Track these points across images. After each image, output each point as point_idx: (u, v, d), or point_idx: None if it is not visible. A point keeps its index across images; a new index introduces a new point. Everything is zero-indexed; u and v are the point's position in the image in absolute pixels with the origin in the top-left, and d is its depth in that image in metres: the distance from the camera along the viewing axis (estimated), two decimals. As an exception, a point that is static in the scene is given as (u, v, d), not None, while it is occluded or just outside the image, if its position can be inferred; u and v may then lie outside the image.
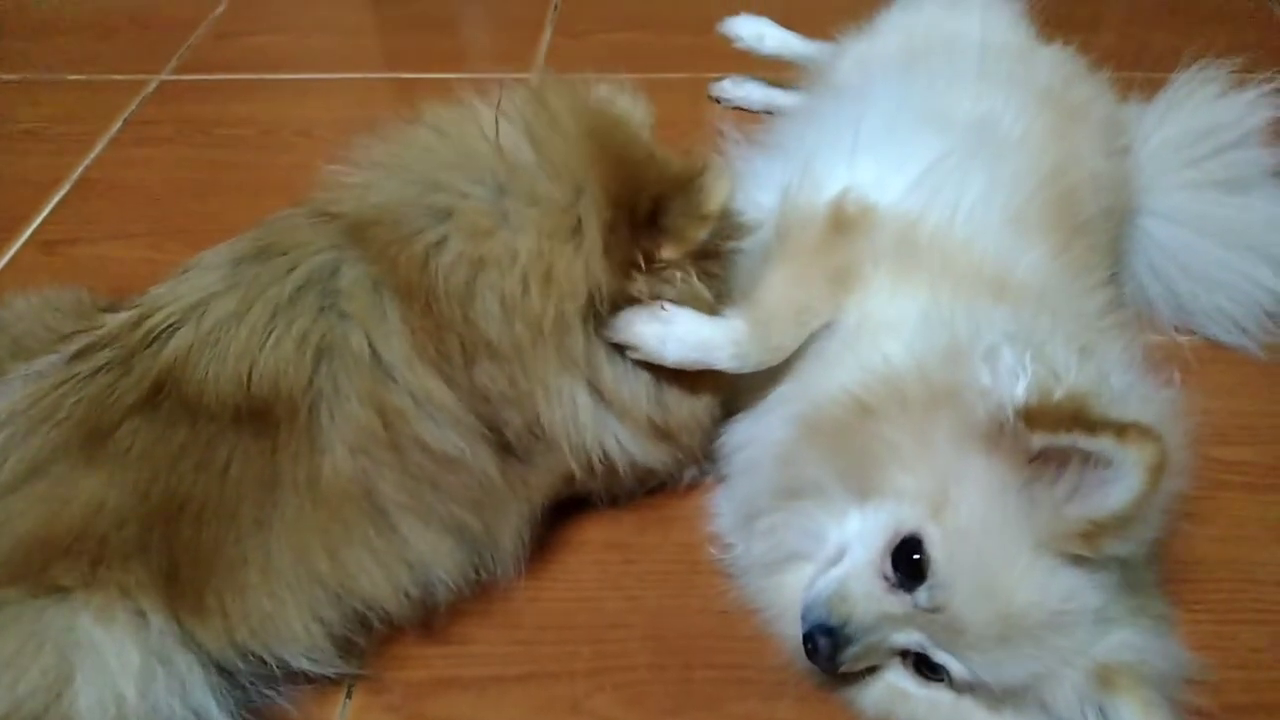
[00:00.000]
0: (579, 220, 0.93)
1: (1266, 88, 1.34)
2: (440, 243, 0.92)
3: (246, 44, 2.11)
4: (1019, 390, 0.84)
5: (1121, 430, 0.79)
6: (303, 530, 0.89)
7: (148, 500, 0.86)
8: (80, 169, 1.73)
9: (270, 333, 0.90)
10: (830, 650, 0.87)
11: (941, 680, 0.89)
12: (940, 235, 1.00)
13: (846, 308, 1.00)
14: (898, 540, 0.87)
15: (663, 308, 0.97)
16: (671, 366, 0.98)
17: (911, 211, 1.02)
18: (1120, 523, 0.80)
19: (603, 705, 0.96)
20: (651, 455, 1.04)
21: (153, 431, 0.87)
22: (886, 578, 0.88)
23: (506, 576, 1.01)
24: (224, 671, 0.89)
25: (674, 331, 0.97)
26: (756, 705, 0.95)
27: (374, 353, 0.91)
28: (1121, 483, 0.79)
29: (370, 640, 0.98)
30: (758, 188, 1.13)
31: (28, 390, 0.89)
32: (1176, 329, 1.33)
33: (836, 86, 1.41)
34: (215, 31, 2.16)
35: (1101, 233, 1.18)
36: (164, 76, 1.99)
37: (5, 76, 2.01)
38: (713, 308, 1.00)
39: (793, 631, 0.92)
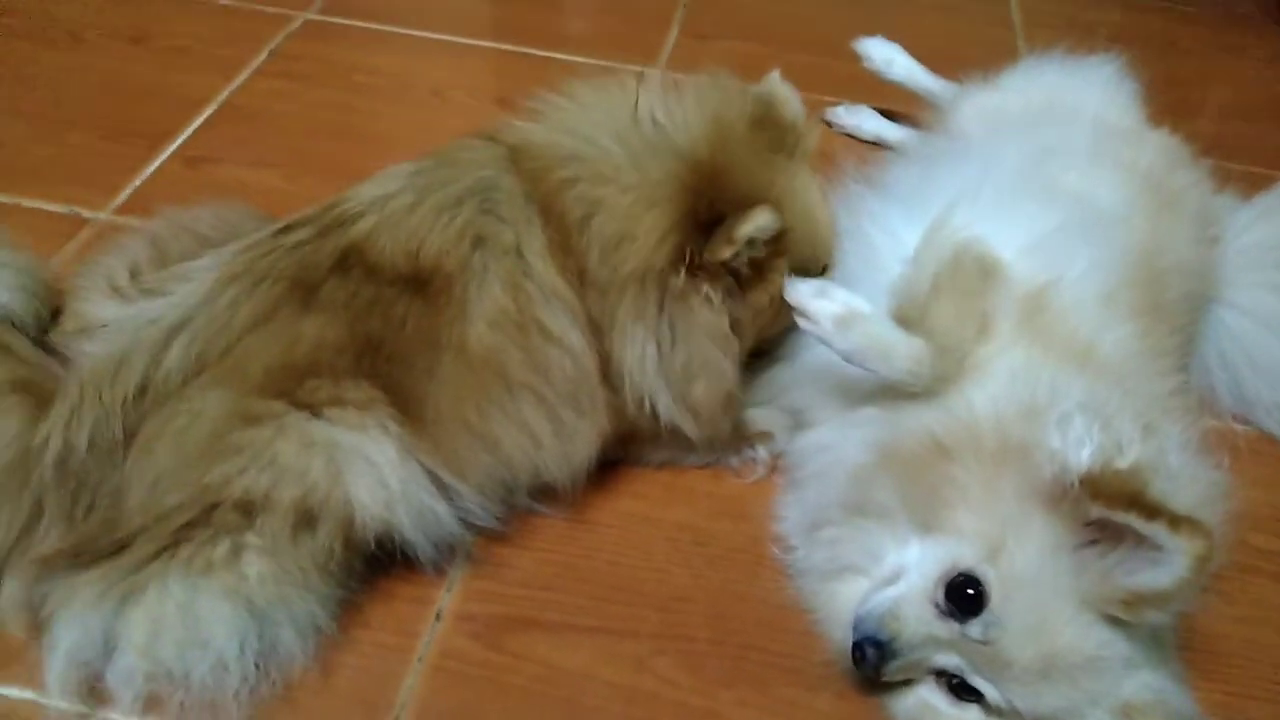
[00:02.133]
0: (656, 203, 1.08)
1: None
2: (573, 179, 1.09)
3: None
4: (1084, 457, 0.93)
5: (1175, 521, 0.87)
6: (457, 384, 1.06)
7: (355, 338, 1.04)
8: (226, 92, 1.85)
9: (438, 221, 1.08)
10: (876, 661, 0.96)
11: (974, 702, 0.98)
12: (1049, 302, 1.08)
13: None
14: (954, 574, 0.96)
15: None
16: (840, 353, 1.05)
17: (1033, 274, 1.11)
18: (1161, 600, 0.91)
19: (663, 666, 1.06)
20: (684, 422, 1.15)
21: (348, 288, 1.05)
22: (937, 605, 0.96)
23: (567, 498, 1.15)
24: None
25: (863, 325, 1.05)
26: (799, 693, 1.05)
27: (519, 248, 1.08)
28: (1168, 567, 0.89)
29: (467, 553, 1.12)
30: (871, 224, 1.21)
31: (241, 257, 1.08)
32: (1234, 417, 1.41)
33: (953, 133, 1.48)
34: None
35: (1180, 316, 1.25)
36: (308, 15, 2.10)
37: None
38: (714, 331, 1.11)
39: (841, 636, 1.02)
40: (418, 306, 1.06)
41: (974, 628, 0.94)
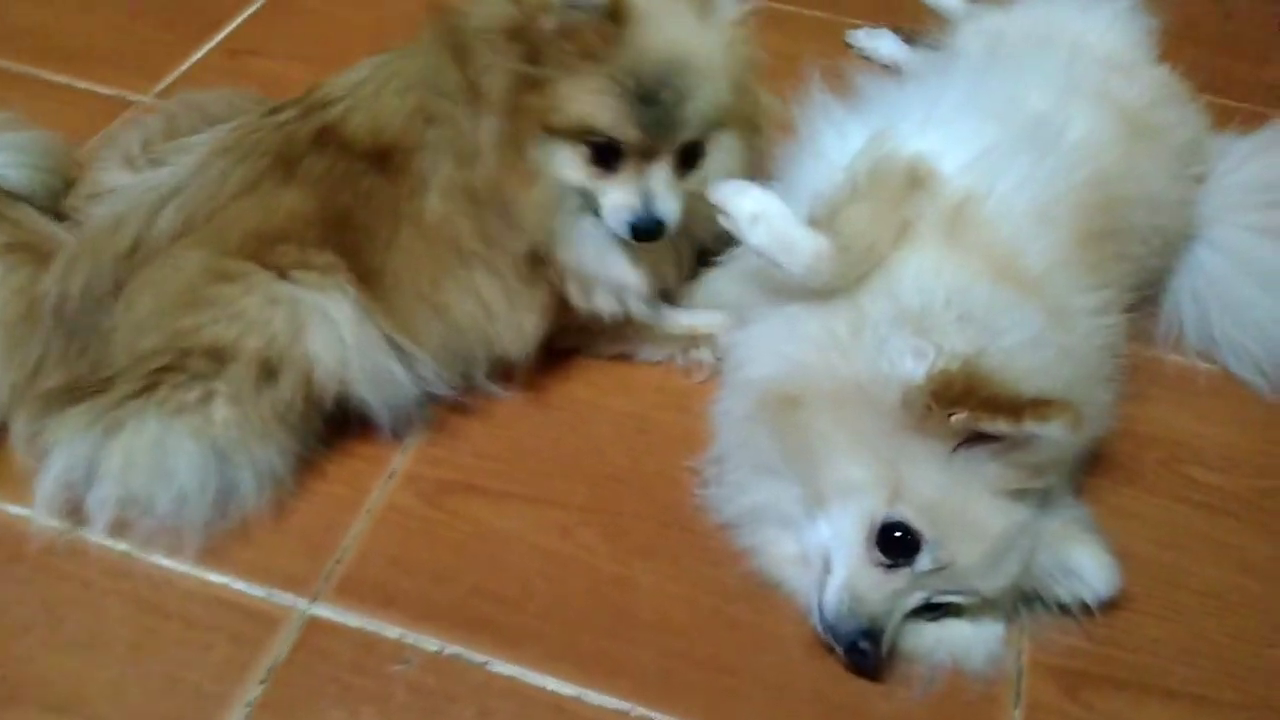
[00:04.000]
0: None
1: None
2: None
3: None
4: (908, 367, 0.99)
5: (1039, 409, 0.93)
6: (413, 254, 1.15)
7: (326, 210, 1.14)
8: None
9: (396, 102, 1.16)
10: (874, 649, 1.00)
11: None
12: (974, 211, 1.12)
13: (892, 265, 1.12)
14: (877, 529, 1.01)
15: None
16: (750, 247, 1.10)
17: (963, 187, 1.14)
18: (1052, 465, 0.99)
19: (586, 535, 1.16)
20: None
21: (323, 163, 1.15)
22: (881, 563, 1.01)
23: (521, 369, 1.24)
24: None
25: (770, 219, 1.09)
26: (709, 568, 1.13)
27: (461, 124, 1.14)
28: (1052, 444, 0.95)
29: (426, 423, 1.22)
30: (834, 133, 1.25)
31: (235, 133, 1.19)
32: (1199, 354, 1.42)
33: (949, 53, 1.50)
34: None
35: (1138, 245, 1.27)
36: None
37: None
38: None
39: (771, 570, 1.09)
40: (381, 181, 1.15)
41: (923, 562, 1.00)
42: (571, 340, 1.30)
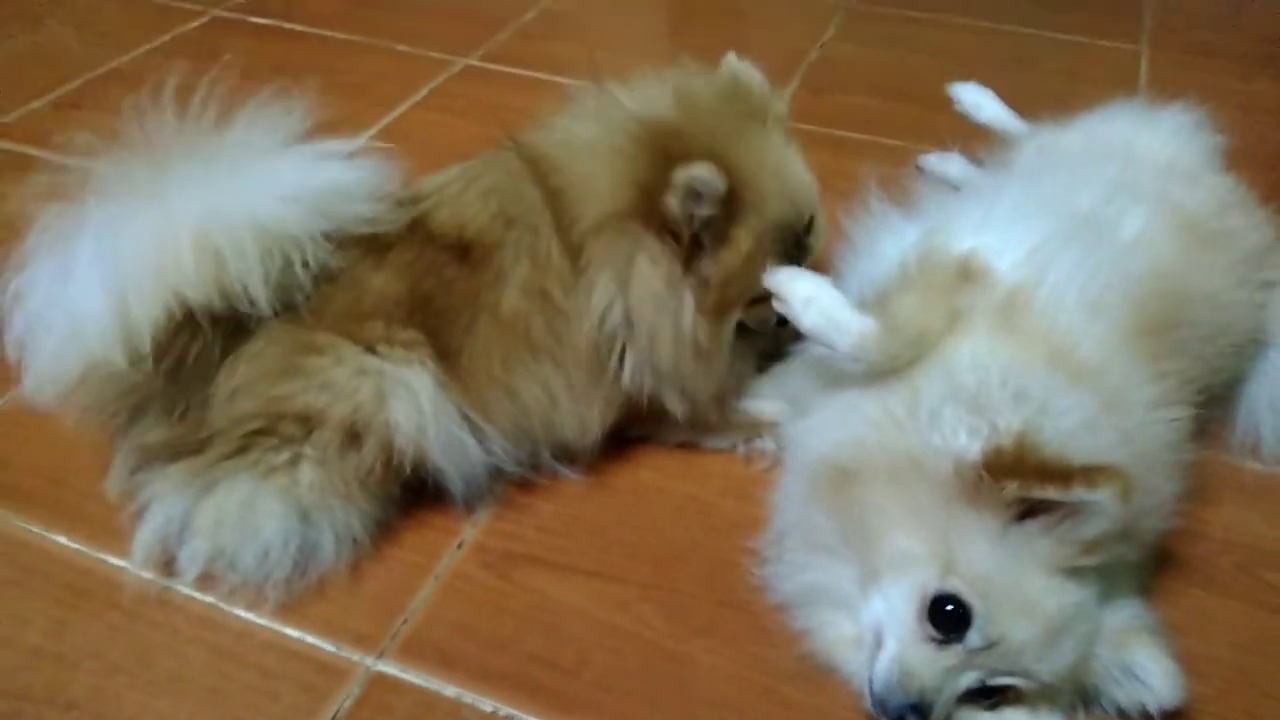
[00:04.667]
0: (618, 156, 1.23)
1: None
2: (560, 168, 1.26)
3: (542, 47, 2.48)
4: (964, 442, 1.01)
5: (1084, 475, 0.94)
6: (488, 340, 1.23)
7: (412, 293, 1.22)
8: (386, 120, 2.13)
9: (480, 203, 1.27)
10: None
11: (1003, 702, 1.05)
12: (1027, 300, 1.15)
13: (945, 350, 1.15)
14: (928, 602, 1.01)
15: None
16: (803, 329, 1.17)
17: (1016, 278, 1.18)
18: (1109, 539, 0.98)
19: (646, 611, 1.18)
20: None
21: (411, 251, 1.24)
22: (932, 638, 1.01)
23: (584, 459, 1.29)
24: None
25: (821, 302, 1.15)
26: (766, 649, 1.14)
27: (538, 230, 1.25)
28: (1102, 514, 0.96)
29: (496, 496, 1.29)
30: (889, 237, 1.31)
31: None
32: (1278, 462, 1.39)
33: (1008, 167, 1.55)
34: (521, 32, 2.54)
35: (1202, 344, 1.27)
36: (469, 60, 2.38)
37: (344, 36, 2.47)
38: (653, 289, 1.22)
39: (827, 652, 1.10)
40: (464, 272, 1.25)
41: (973, 638, 1.00)
42: (639, 428, 1.36)
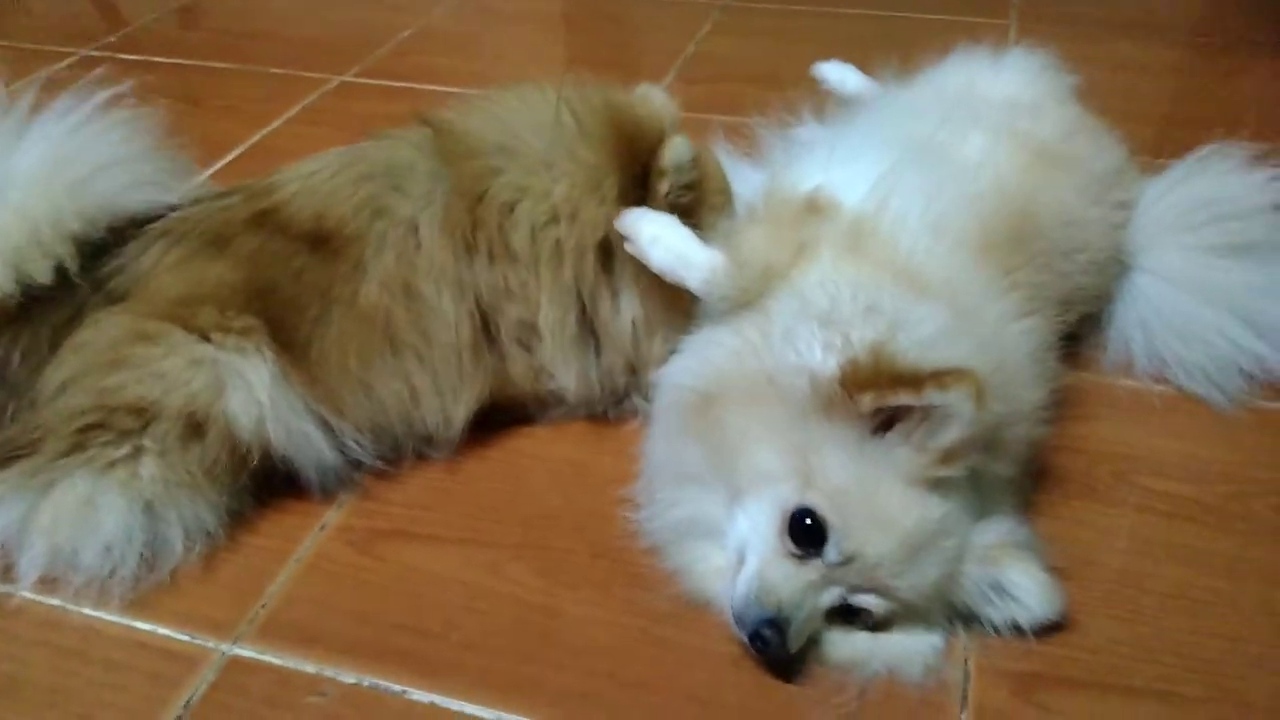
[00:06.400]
0: (601, 180, 1.23)
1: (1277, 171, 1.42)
2: (499, 169, 1.24)
3: (420, 61, 2.47)
4: (818, 357, 1.00)
5: (935, 378, 0.93)
6: (343, 334, 1.20)
7: (251, 281, 1.18)
8: (254, 137, 2.09)
9: (347, 192, 1.23)
10: (778, 639, 0.97)
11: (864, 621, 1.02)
12: (872, 226, 1.15)
13: (795, 278, 1.15)
14: (787, 517, 0.99)
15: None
16: (652, 268, 1.18)
17: (863, 208, 1.18)
18: (966, 445, 0.96)
19: (516, 570, 1.14)
20: (602, 379, 1.28)
21: (256, 241, 1.20)
22: (793, 554, 0.99)
23: (449, 449, 1.25)
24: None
25: (667, 239, 1.17)
26: (638, 593, 1.10)
27: (414, 224, 1.23)
28: (957, 418, 0.94)
29: (356, 484, 1.24)
30: (736, 184, 1.31)
31: (180, 213, 1.24)
32: (1152, 377, 1.40)
33: (853, 116, 1.56)
34: (398, 49, 2.53)
35: (1059, 259, 1.29)
36: (344, 78, 2.36)
37: (218, 64, 2.44)
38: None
39: (695, 587, 1.08)
40: (315, 261, 1.21)
41: (831, 553, 0.98)
42: (511, 412, 1.33)
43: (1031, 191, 1.29)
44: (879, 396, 0.95)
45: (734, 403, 1.04)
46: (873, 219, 1.16)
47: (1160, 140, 1.56)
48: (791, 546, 0.98)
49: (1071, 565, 1.10)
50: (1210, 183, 1.45)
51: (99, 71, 1.36)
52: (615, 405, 1.34)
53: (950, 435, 0.96)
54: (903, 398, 0.94)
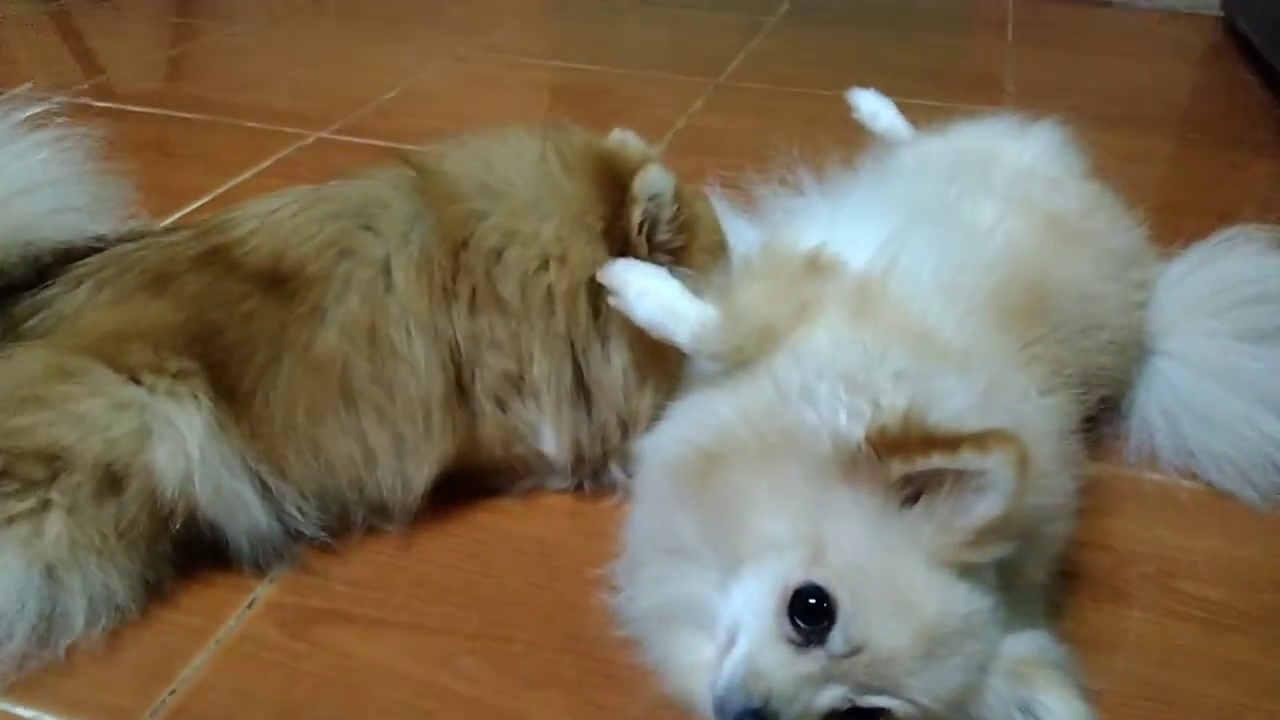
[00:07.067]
0: (586, 212, 1.14)
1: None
2: (484, 212, 1.14)
3: (402, 123, 2.38)
4: (844, 421, 0.88)
5: (977, 440, 0.80)
6: (292, 384, 1.07)
7: (192, 323, 1.06)
8: (221, 189, 1.98)
9: (310, 230, 1.12)
10: None
11: None
12: (878, 288, 1.04)
13: (798, 339, 1.03)
14: (789, 595, 0.85)
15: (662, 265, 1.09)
16: (638, 323, 1.07)
17: (870, 269, 1.07)
18: (1002, 523, 0.83)
19: (468, 665, 0.99)
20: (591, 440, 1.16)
21: (202, 281, 1.08)
22: (791, 640, 0.85)
23: (404, 519, 1.11)
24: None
25: (655, 292, 1.06)
26: (614, 698, 0.96)
27: (386, 265, 1.11)
28: (994, 487, 0.81)
29: (294, 556, 1.09)
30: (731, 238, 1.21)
31: (123, 248, 1.13)
32: (1178, 471, 1.28)
33: (883, 169, 1.47)
34: (381, 109, 2.45)
35: (1079, 336, 1.18)
36: (322, 134, 2.27)
37: (199, 116, 2.34)
38: None
39: (679, 686, 0.93)
40: (268, 305, 1.08)
41: (836, 640, 0.83)
42: (477, 480, 1.19)
43: (1047, 263, 1.19)
44: (909, 461, 0.83)
45: (741, 462, 0.91)
46: (880, 280, 1.05)
47: (1168, 228, 1.48)
48: (790, 630, 0.84)
49: (1105, 679, 0.96)
50: (1235, 265, 1.36)
51: (57, 110, 1.24)
52: (593, 476, 1.20)
53: (986, 509, 0.82)
54: (936, 460, 0.82)
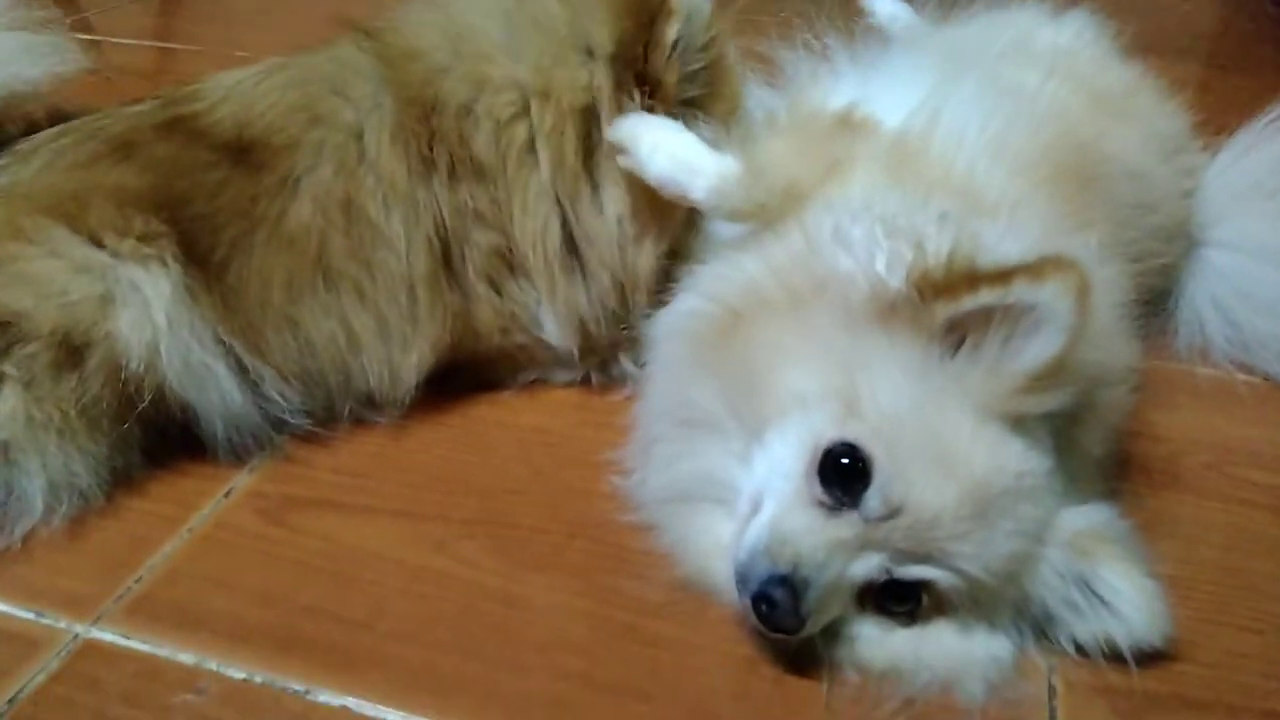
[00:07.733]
0: (591, 33, 1.01)
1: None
2: (445, 66, 1.02)
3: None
4: (880, 265, 0.79)
5: (1035, 270, 0.72)
6: (266, 260, 0.98)
7: (158, 191, 0.97)
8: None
9: (277, 97, 1.02)
10: (790, 602, 0.73)
11: (909, 610, 0.78)
12: (919, 145, 0.94)
13: (831, 196, 0.93)
14: (820, 454, 0.76)
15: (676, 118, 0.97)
16: (649, 181, 0.96)
17: (909, 126, 0.97)
18: (1059, 363, 0.74)
19: (468, 549, 0.90)
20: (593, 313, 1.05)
21: (167, 149, 0.99)
22: (822, 502, 0.75)
23: (395, 411, 1.02)
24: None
25: (669, 145, 0.95)
26: (625, 581, 0.87)
27: (359, 132, 1.01)
28: (1052, 319, 0.72)
29: (276, 447, 1.00)
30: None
31: (87, 118, 1.05)
32: (1233, 363, 1.19)
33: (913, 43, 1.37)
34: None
35: (1129, 213, 1.08)
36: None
37: (185, 48, 2.25)
38: None
39: (696, 566, 0.83)
40: (237, 175, 0.99)
41: (872, 501, 0.74)
42: (475, 373, 1.10)
43: (1097, 135, 1.09)
44: (955, 300, 0.74)
45: (767, 318, 0.82)
46: (921, 137, 0.96)
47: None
48: (820, 493, 0.75)
49: (1169, 563, 0.86)
50: (1285, 146, 1.26)
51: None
52: (602, 369, 1.11)
53: (1043, 348, 0.73)
54: (985, 296, 0.73)
